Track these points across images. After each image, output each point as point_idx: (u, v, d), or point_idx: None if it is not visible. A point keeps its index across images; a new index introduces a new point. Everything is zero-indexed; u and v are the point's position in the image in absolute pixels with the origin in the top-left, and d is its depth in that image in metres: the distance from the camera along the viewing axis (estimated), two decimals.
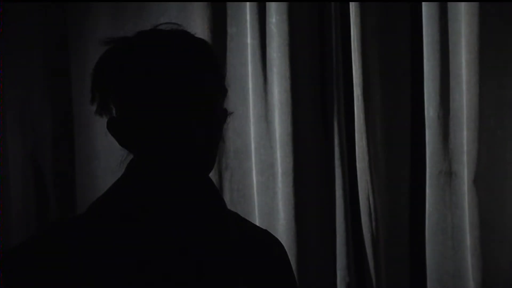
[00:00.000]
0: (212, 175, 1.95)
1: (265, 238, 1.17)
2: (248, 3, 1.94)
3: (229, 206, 1.95)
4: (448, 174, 1.96)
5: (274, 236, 1.19)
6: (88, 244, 1.00)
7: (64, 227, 1.05)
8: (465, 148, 1.93)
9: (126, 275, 0.99)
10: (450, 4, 1.94)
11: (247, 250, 1.10)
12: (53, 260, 0.99)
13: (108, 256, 0.99)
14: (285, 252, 1.19)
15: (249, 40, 1.95)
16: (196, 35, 1.05)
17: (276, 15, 1.92)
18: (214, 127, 1.01)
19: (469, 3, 1.89)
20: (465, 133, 1.92)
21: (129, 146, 1.03)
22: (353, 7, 1.92)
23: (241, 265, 1.08)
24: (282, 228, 1.92)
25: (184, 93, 0.97)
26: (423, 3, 1.95)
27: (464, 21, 1.91)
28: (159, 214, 1.03)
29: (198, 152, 0.99)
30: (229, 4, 1.97)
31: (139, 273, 0.99)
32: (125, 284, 0.99)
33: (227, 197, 1.97)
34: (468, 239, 1.93)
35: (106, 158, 1.95)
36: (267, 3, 1.94)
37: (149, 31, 1.04)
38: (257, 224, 1.85)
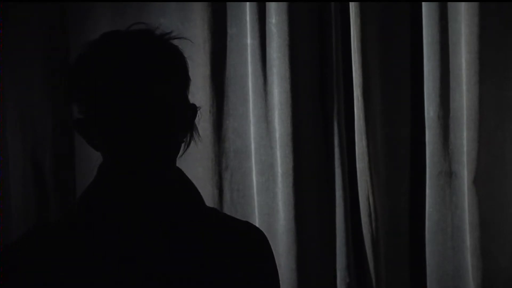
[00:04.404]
0: (212, 175, 1.97)
1: (246, 228, 1.19)
2: (248, 3, 1.94)
3: (229, 206, 1.97)
4: (448, 174, 1.96)
5: (254, 226, 1.22)
6: (67, 247, 1.03)
7: (43, 232, 1.08)
8: (465, 148, 1.93)
9: (107, 274, 1.01)
10: (450, 4, 1.94)
11: (228, 241, 1.13)
12: (34, 265, 1.02)
13: (88, 258, 1.02)
14: (267, 240, 1.20)
15: (249, 41, 1.95)
16: (169, 34, 1.08)
17: (276, 15, 1.92)
18: (174, 124, 1.04)
19: (469, 3, 1.89)
20: (465, 133, 1.92)
21: (95, 145, 1.08)
22: (353, 7, 1.92)
23: (222, 257, 1.10)
24: (282, 228, 1.92)
25: (139, 93, 1.01)
26: (423, 3, 1.95)
27: (464, 21, 1.91)
28: (133, 213, 1.06)
29: (156, 148, 1.02)
30: (229, 4, 1.97)
31: (120, 272, 1.01)
32: (107, 284, 1.00)
33: (227, 197, 1.97)
34: (468, 239, 1.93)
35: None
36: (267, 3, 1.94)
37: (111, 32, 1.08)
38: (257, 224, 1.85)
